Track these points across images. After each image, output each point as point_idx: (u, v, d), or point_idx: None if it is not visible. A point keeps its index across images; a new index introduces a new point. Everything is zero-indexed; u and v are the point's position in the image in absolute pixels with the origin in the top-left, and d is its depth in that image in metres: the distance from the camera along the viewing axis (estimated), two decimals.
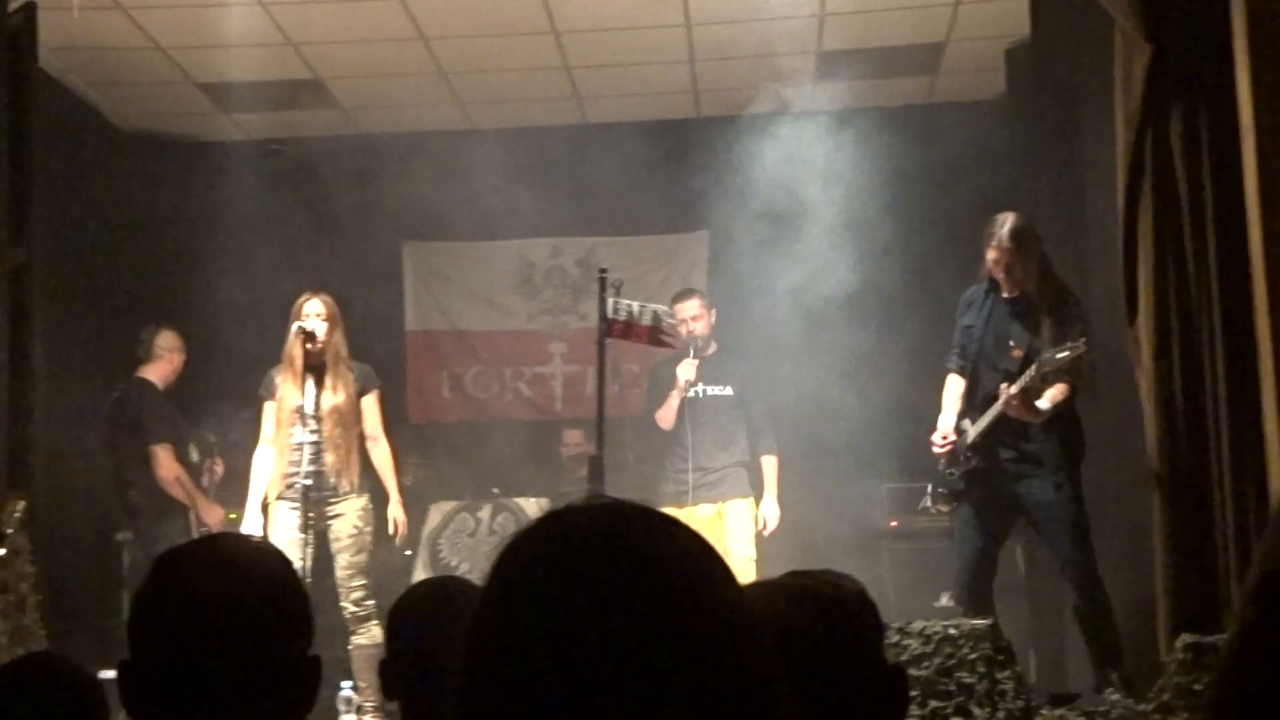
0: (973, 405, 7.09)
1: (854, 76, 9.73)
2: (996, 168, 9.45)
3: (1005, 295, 7.00)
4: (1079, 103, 8.17)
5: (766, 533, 8.32)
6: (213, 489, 8.89)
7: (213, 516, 8.59)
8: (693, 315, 8.44)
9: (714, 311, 8.60)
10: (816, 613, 1.99)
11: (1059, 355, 6.53)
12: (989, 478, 6.99)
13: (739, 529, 8.27)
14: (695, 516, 8.02)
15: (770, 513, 8.36)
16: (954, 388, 7.25)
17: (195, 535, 8.41)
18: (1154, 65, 6.24)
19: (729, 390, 8.47)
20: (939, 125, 10.03)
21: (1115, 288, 6.65)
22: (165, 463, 8.45)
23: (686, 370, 8.31)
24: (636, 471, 9.23)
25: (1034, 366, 6.59)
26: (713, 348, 8.55)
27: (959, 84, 10.25)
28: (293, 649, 2.07)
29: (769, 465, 8.47)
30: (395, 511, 7.75)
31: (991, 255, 6.92)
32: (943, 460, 7.14)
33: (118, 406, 8.70)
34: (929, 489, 7.45)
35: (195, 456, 8.88)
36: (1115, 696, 6.23)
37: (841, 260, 9.41)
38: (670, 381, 8.40)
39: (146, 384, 8.71)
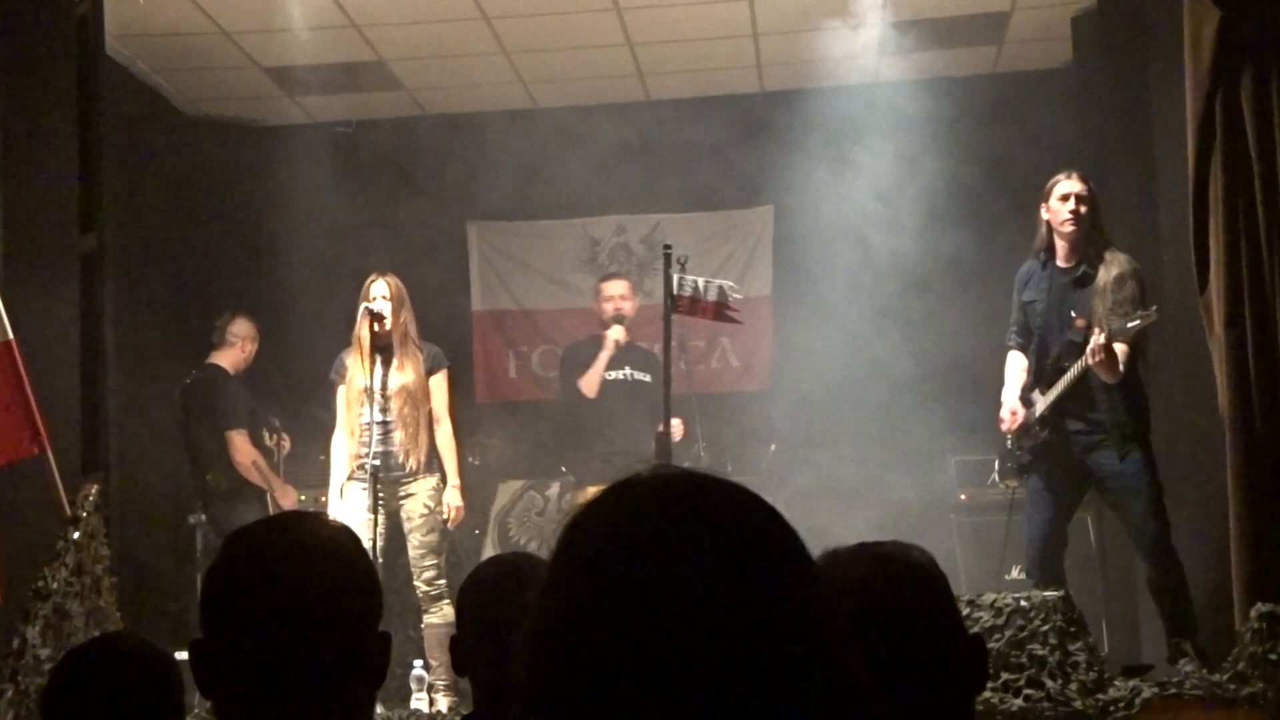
0: (1040, 379, 7.05)
1: (919, 48, 9.66)
2: (1064, 137, 9.37)
3: (1062, 266, 6.96)
4: (1147, 70, 8.08)
5: None
6: (280, 464, 8.94)
7: (288, 499, 8.65)
8: (621, 294, 8.63)
9: (637, 298, 8.88)
10: (900, 580, 1.98)
11: (1130, 324, 6.48)
12: (1058, 450, 6.96)
13: None
14: None
15: None
16: (1015, 363, 7.22)
17: None
18: (1223, 30, 6.17)
19: (648, 378, 8.52)
20: (1006, 95, 9.96)
21: (1186, 257, 6.59)
22: (242, 447, 8.52)
23: (617, 331, 8.47)
24: (705, 446, 9.21)
25: (1104, 334, 6.51)
26: (630, 336, 8.67)
27: (1025, 53, 10.15)
28: (362, 625, 2.08)
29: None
30: (451, 497, 7.71)
31: (1058, 202, 6.85)
32: (1011, 436, 7.12)
33: (191, 392, 8.77)
34: (996, 464, 7.40)
35: (268, 440, 8.93)
36: (1189, 667, 6.19)
37: (908, 233, 9.37)
38: (587, 361, 8.52)
39: (219, 369, 8.76)
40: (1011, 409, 7.10)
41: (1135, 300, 6.69)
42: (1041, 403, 6.96)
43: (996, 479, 7.52)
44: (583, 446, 8.60)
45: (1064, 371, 6.83)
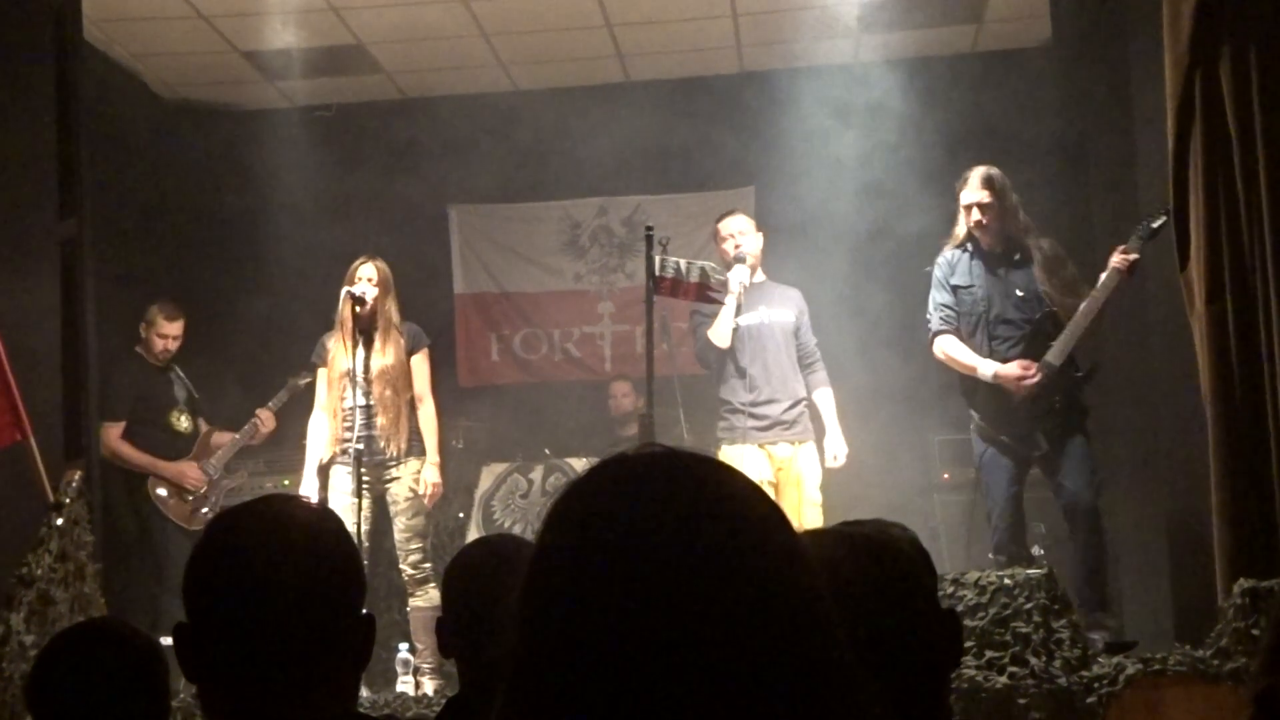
0: (991, 355, 7.16)
1: (898, 27, 9.66)
2: (1044, 115, 9.37)
3: (988, 249, 7.22)
4: (1127, 46, 8.09)
5: (835, 465, 7.86)
6: (234, 445, 8.81)
7: (187, 478, 8.63)
8: (740, 230, 7.91)
9: (762, 235, 8.05)
10: (870, 558, 1.98)
11: (1155, 224, 6.84)
12: (1018, 418, 7.06)
13: (814, 473, 7.81)
14: (774, 457, 7.71)
15: (839, 447, 7.88)
16: (958, 343, 7.29)
17: (155, 503, 8.55)
18: (1202, 6, 6.18)
19: (791, 317, 7.96)
20: (985, 74, 9.96)
21: (1166, 234, 6.61)
22: (104, 441, 8.39)
23: (740, 273, 7.70)
24: (689, 428, 9.21)
25: (1124, 250, 6.89)
26: (761, 275, 8.03)
27: (1004, 31, 10.16)
28: (346, 607, 2.08)
29: (828, 397, 7.98)
30: (429, 474, 7.66)
31: (967, 207, 7.17)
32: (1029, 392, 7.04)
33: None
34: (976, 430, 7.36)
35: (184, 424, 8.82)
36: (1099, 635, 6.34)
37: (887, 212, 9.38)
38: (715, 311, 7.80)
39: (118, 359, 8.77)
40: (1022, 364, 7.05)
41: (1076, 278, 7.13)
42: (1057, 348, 6.99)
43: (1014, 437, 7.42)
44: (728, 399, 7.90)
45: (1056, 322, 7.03)
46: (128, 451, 8.58)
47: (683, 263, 7.30)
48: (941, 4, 9.68)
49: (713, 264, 7.56)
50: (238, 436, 8.79)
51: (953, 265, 7.31)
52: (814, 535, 2.00)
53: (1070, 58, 9.25)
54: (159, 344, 8.77)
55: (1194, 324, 6.38)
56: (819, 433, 7.93)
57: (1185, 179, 6.33)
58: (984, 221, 7.14)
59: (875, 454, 9.00)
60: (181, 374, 8.94)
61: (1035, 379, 7.00)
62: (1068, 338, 6.97)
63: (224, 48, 10.02)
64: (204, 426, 8.97)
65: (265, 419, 8.83)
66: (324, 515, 2.21)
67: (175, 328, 8.81)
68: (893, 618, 1.93)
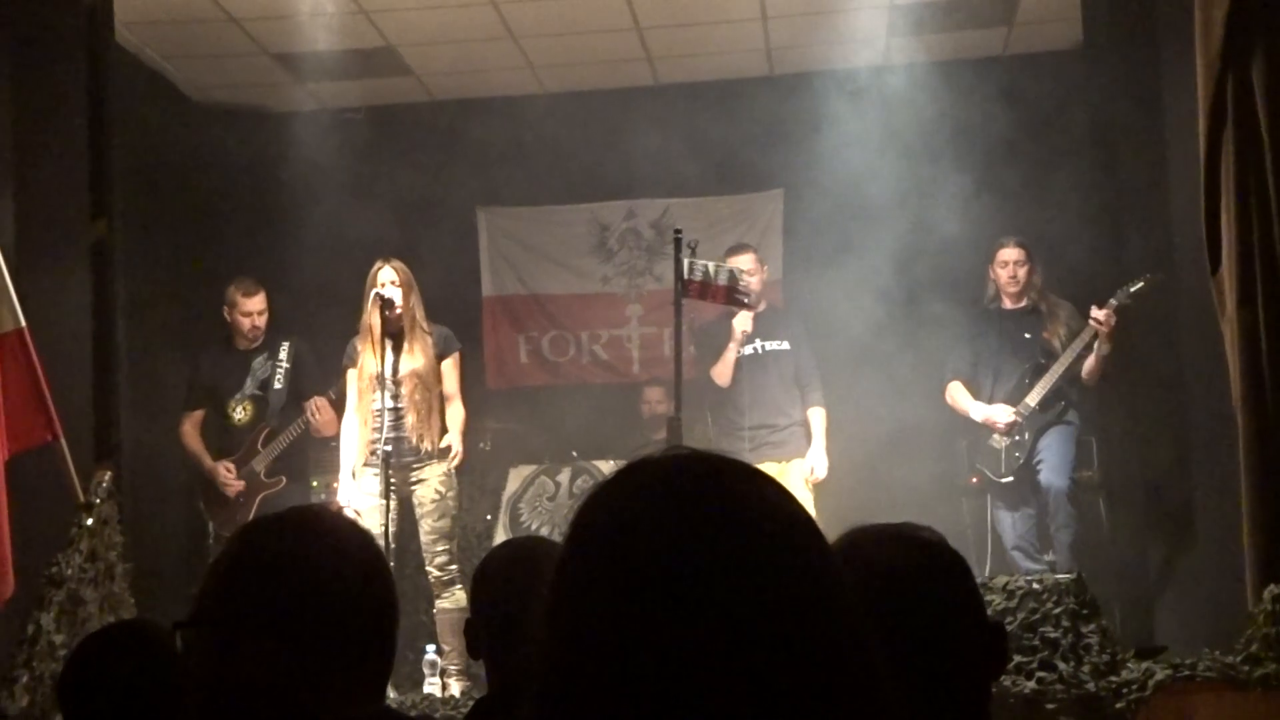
0: (995, 397, 8.21)
1: (928, 30, 9.63)
2: (1075, 119, 9.34)
3: (1010, 308, 8.31)
4: (1158, 50, 8.05)
5: (813, 481, 8.29)
6: (277, 445, 8.66)
7: (218, 478, 8.48)
8: (747, 269, 8.08)
9: (766, 268, 8.59)
10: (921, 562, 1.95)
11: (1133, 288, 7.73)
12: (993, 451, 8.25)
13: (800, 489, 8.11)
14: None
15: (819, 463, 8.32)
16: (963, 389, 8.34)
17: (202, 504, 8.58)
18: (1234, 11, 6.15)
19: (786, 345, 8.45)
20: (1016, 77, 9.92)
21: (1198, 237, 6.58)
22: (180, 431, 8.54)
23: (743, 321, 8.25)
24: (716, 431, 9.20)
25: (1107, 307, 7.77)
26: (763, 305, 8.51)
27: (1035, 35, 10.12)
28: (369, 609, 2.08)
29: (818, 417, 8.44)
30: (452, 439, 7.70)
31: (999, 268, 8.27)
32: (1004, 433, 8.15)
33: None
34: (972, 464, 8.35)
35: (240, 415, 8.61)
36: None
37: (917, 214, 9.35)
38: (723, 338, 8.37)
39: (197, 349, 8.84)
40: (1009, 417, 8.09)
41: (1065, 309, 8.20)
42: (1034, 398, 8.05)
43: (990, 468, 8.31)
44: (722, 423, 8.56)
45: (1041, 370, 8.07)
46: (187, 440, 8.57)
47: (711, 265, 7.30)
48: (972, 6, 9.65)
49: (741, 267, 7.60)
50: (282, 437, 8.56)
51: (975, 319, 8.46)
52: (865, 535, 1.97)
53: (1102, 61, 9.21)
54: (245, 323, 8.55)
55: (1225, 328, 6.35)
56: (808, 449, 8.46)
57: (1217, 183, 6.30)
58: (1017, 275, 8.22)
59: (901, 456, 8.98)
60: (282, 357, 8.65)
61: (1012, 425, 8.11)
62: (1044, 384, 8.06)
63: (254, 50, 10.05)
64: (291, 414, 8.63)
65: (322, 406, 8.36)
66: (349, 524, 2.24)
67: (256, 302, 8.59)
68: (944, 624, 1.90)
